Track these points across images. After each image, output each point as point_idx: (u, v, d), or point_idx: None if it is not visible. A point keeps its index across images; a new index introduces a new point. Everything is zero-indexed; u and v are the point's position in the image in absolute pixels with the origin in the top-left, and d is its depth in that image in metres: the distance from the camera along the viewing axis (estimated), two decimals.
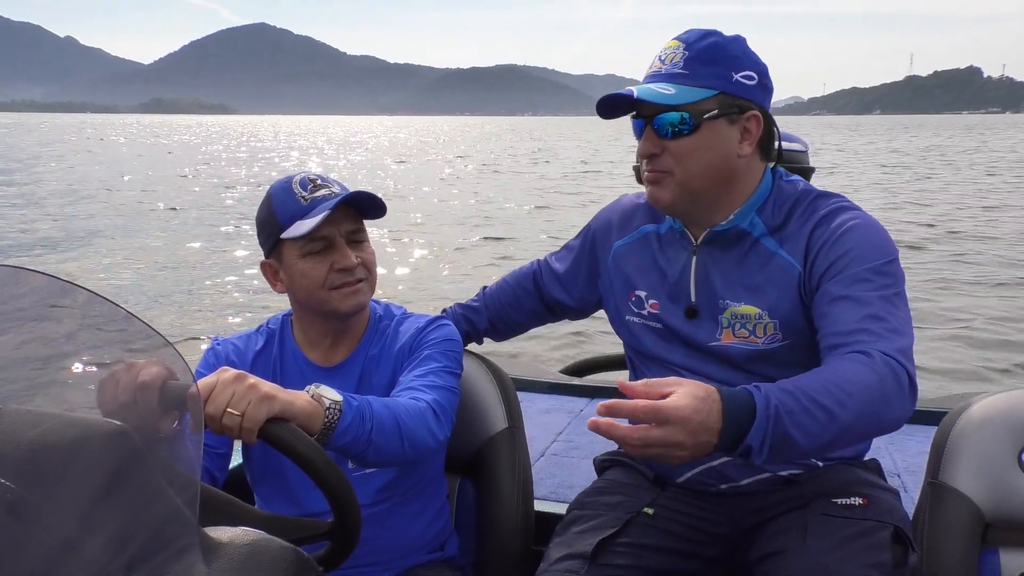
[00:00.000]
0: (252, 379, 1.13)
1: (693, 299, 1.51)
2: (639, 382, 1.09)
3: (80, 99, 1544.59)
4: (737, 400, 1.09)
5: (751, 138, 1.43)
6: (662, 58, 1.45)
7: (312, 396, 1.21)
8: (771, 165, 1.52)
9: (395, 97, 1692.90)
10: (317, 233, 1.45)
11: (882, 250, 1.37)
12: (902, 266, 1.40)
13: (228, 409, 1.10)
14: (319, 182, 1.49)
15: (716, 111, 1.40)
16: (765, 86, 1.44)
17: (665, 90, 1.40)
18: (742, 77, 1.42)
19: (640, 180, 1.57)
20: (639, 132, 1.47)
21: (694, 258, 1.52)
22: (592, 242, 1.72)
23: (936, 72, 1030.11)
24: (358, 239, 1.51)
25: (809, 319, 1.41)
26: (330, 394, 1.23)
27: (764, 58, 1.43)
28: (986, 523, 1.46)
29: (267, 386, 1.13)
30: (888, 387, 1.18)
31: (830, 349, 1.28)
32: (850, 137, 70.39)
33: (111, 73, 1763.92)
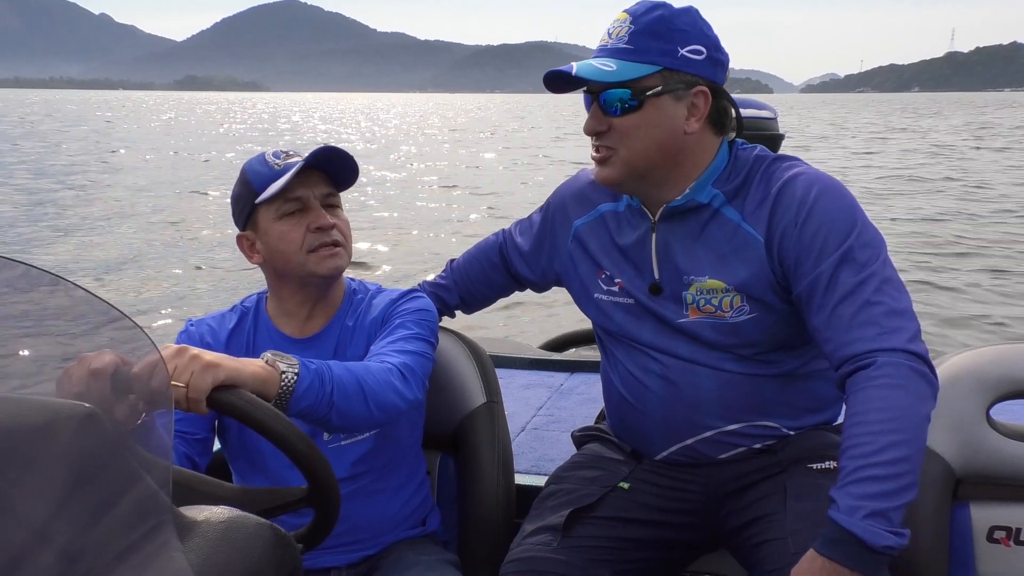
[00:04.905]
0: (194, 350, 1.13)
1: (656, 276, 1.49)
2: None
3: (116, 76, 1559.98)
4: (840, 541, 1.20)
5: (699, 114, 1.40)
6: (610, 32, 1.42)
7: (266, 362, 1.21)
8: (730, 138, 1.48)
9: (425, 74, 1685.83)
10: (291, 193, 1.46)
11: (850, 217, 1.35)
12: (872, 224, 1.37)
13: (172, 382, 1.09)
14: (291, 152, 1.52)
15: (660, 87, 1.37)
16: (716, 60, 1.40)
17: (606, 66, 1.37)
18: (688, 52, 1.38)
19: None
20: (589, 107, 1.45)
21: (653, 235, 1.49)
22: (552, 221, 1.69)
23: (978, 48, 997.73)
24: (332, 203, 1.53)
25: (778, 292, 1.41)
26: (286, 359, 1.23)
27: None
28: (957, 478, 1.50)
29: (210, 355, 1.13)
30: (915, 391, 1.23)
31: (843, 370, 1.30)
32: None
33: (145, 50, 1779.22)
